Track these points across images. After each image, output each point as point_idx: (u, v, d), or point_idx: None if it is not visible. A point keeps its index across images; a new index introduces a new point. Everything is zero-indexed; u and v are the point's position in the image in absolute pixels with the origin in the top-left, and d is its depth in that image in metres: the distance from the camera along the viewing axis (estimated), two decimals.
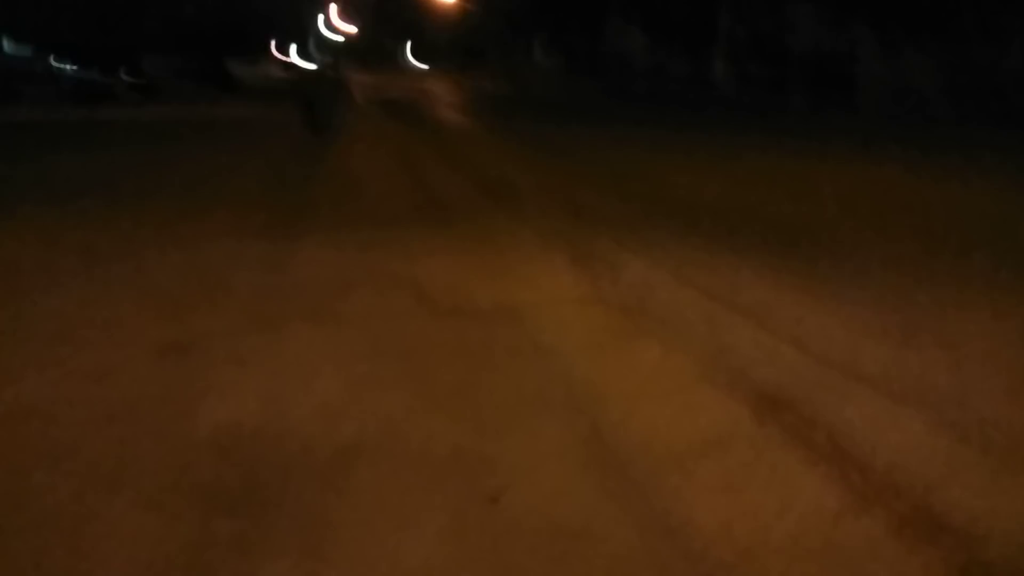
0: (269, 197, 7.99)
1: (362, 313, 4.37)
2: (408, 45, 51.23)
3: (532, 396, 3.23)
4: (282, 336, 3.98)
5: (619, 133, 14.63)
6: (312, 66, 36.48)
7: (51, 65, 27.37)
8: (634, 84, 29.71)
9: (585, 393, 3.23)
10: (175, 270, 5.17)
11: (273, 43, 40.61)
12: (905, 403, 3.03)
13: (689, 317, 4.25)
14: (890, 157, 10.69)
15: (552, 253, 5.70)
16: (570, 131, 15.31)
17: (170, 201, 7.79)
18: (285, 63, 33.04)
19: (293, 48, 40.58)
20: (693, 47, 28.49)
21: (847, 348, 3.67)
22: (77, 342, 3.85)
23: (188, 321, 4.18)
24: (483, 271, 5.27)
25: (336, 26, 41.28)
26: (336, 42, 37.46)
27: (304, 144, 12.84)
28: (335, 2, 39.22)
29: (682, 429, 2.83)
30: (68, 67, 26.93)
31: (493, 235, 6.31)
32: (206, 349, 3.78)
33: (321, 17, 43.28)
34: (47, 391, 3.31)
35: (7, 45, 30.62)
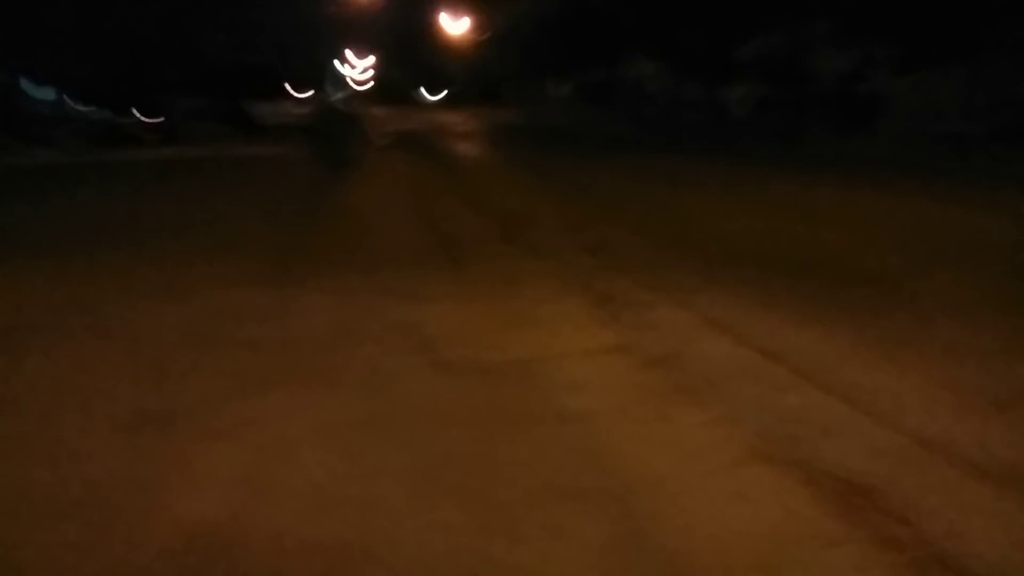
0: (274, 239, 7.65)
1: (361, 371, 3.93)
2: (423, 79, 51.52)
3: (554, 478, 2.75)
4: (270, 402, 3.54)
5: (636, 164, 14.23)
6: (328, 102, 36.67)
7: (72, 108, 27.64)
8: (649, 113, 29.46)
9: (617, 474, 2.75)
10: (166, 326, 4.76)
11: (291, 82, 40.94)
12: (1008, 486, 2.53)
13: (729, 372, 3.76)
14: (925, 184, 10.18)
15: (571, 296, 5.25)
16: (585, 162, 14.95)
17: (172, 245, 7.48)
18: (302, 101, 33.16)
19: (311, 86, 40.89)
20: (708, 73, 28.23)
21: (927, 416, 3.16)
22: (44, 418, 3.43)
23: (171, 387, 3.76)
24: (496, 318, 4.83)
25: (352, 63, 41.61)
26: (352, 79, 37.66)
27: (316, 181, 12.58)
28: (350, 40, 39.56)
29: (738, 527, 2.34)
30: (88, 109, 27.16)
31: (508, 276, 5.88)
32: (184, 421, 3.35)
33: (338, 55, 43.68)
34: (6, 477, 2.90)
35: (28, 88, 31.03)
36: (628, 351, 4.13)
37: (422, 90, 55.08)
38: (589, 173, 13.13)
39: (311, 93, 34.34)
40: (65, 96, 29.84)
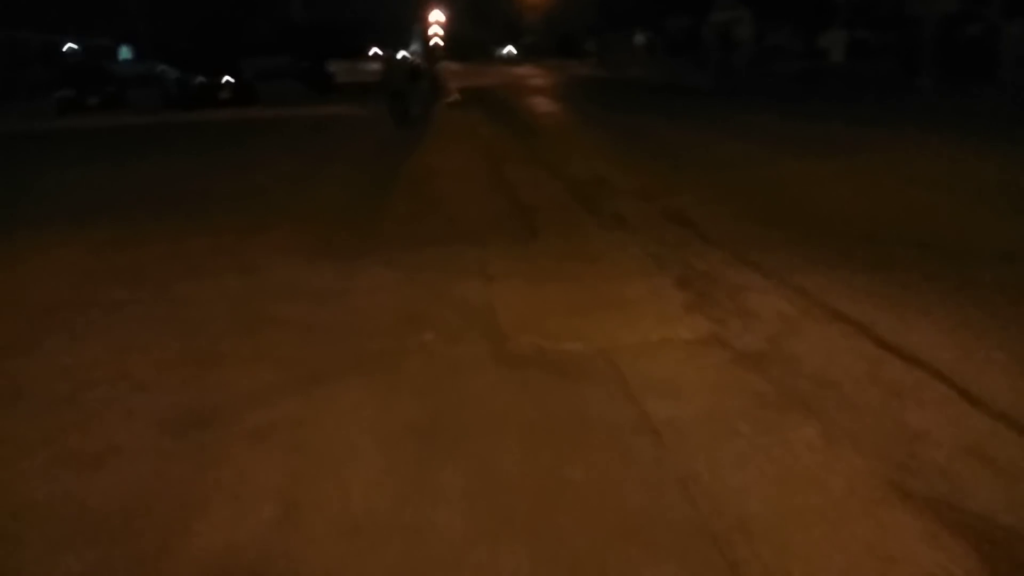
0: (338, 207, 7.33)
1: (421, 364, 3.54)
2: (498, 33, 50.51)
3: (640, 511, 2.30)
4: (320, 398, 3.20)
5: (727, 123, 13.30)
6: (399, 60, 36.35)
7: (153, 67, 28.12)
8: (738, 62, 27.91)
9: (716, 512, 2.27)
10: (220, 304, 4.50)
11: (373, 41, 40.82)
12: None
13: (845, 372, 3.20)
14: None
15: (657, 273, 4.72)
16: (668, 120, 14.10)
17: (232, 213, 7.25)
18: (383, 59, 32.93)
19: (392, 46, 40.70)
20: (804, 20, 26.43)
21: None
22: (82, 411, 3.19)
23: (216, 377, 3.46)
24: (573, 298, 4.35)
25: (433, 20, 41.00)
26: (432, 35, 37.15)
27: (388, 142, 12.24)
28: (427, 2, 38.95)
29: None
30: (169, 69, 27.59)
31: (585, 250, 5.37)
32: (226, 420, 3.04)
33: (420, 13, 43.15)
34: (28, 485, 2.65)
35: (110, 48, 31.82)
36: (723, 343, 3.60)
37: (504, 46, 54.14)
38: (673, 131, 12.33)
39: (385, 51, 34.05)
40: (146, 56, 30.46)
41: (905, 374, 3.15)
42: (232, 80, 24.31)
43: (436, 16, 36.28)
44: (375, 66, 26.07)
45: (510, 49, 51.76)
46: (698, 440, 2.71)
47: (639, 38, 38.34)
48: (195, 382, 3.43)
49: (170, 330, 4.09)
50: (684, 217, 6.15)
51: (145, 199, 8.19)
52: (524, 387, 3.24)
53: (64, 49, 32.27)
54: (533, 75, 34.89)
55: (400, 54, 36.13)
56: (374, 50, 38.33)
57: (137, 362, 3.67)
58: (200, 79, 23.99)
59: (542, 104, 19.76)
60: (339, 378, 3.40)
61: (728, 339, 3.64)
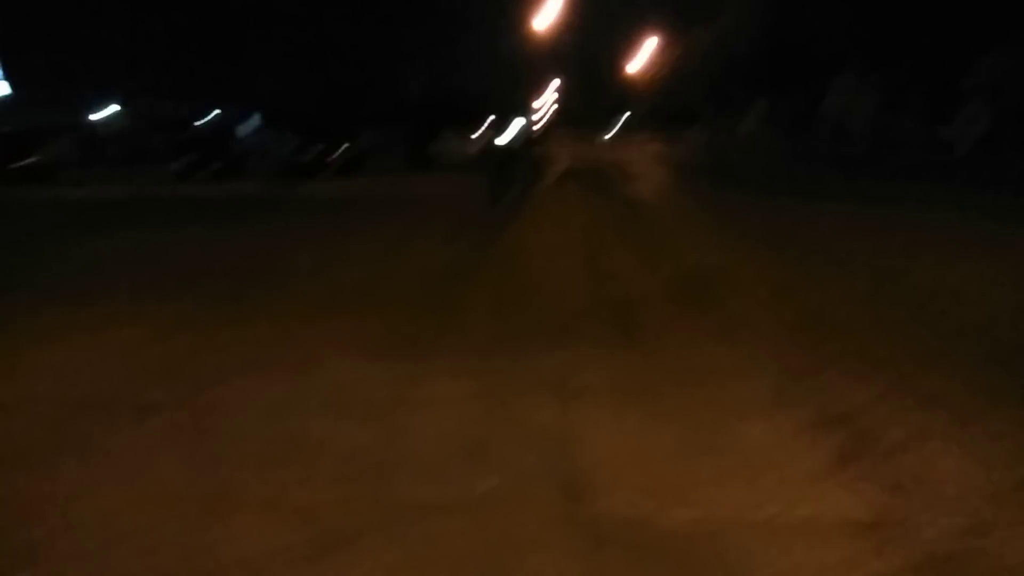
0: (417, 290, 6.71)
1: (472, 528, 2.70)
2: (603, 109, 50.74)
3: None
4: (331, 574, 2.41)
5: (846, 213, 12.01)
6: (514, 135, 36.76)
7: (269, 138, 29.34)
8: (855, 149, 26.42)
9: None
10: (252, 420, 3.79)
11: (484, 115, 41.73)
12: None
13: None
14: None
15: (785, 407, 3.74)
16: (783, 208, 12.94)
17: (307, 292, 6.77)
18: (490, 135, 33.38)
19: (502, 120, 41.49)
20: (925, 103, 24.82)
21: None
22: (38, 567, 2.52)
23: (216, 535, 2.73)
24: (676, 436, 3.44)
25: (541, 96, 41.59)
26: (539, 112, 37.51)
27: (483, 219, 11.75)
28: (536, 72, 39.49)
29: None
30: (283, 139, 28.68)
31: (693, 365, 4.45)
32: None
33: (525, 88, 43.89)
34: None
35: (234, 119, 33.52)
36: (887, 537, 2.57)
37: (611, 124, 54.30)
38: (789, 221, 11.17)
39: (489, 127, 34.49)
40: (265, 126, 31.89)
41: None
42: (347, 149, 24.96)
43: (547, 90, 36.65)
44: (482, 140, 26.29)
45: (620, 121, 51.81)
46: None
47: (751, 118, 37.35)
48: (192, 535, 2.72)
49: (191, 452, 3.42)
50: (814, 326, 5.13)
51: (226, 273, 7.87)
52: None
53: (196, 117, 34.23)
54: (643, 150, 34.41)
55: (507, 130, 36.59)
56: (485, 124, 39.06)
57: (136, 498, 3.00)
58: (316, 148, 24.72)
59: (649, 182, 19.01)
60: (364, 541, 2.62)
61: (892, 530, 2.62)
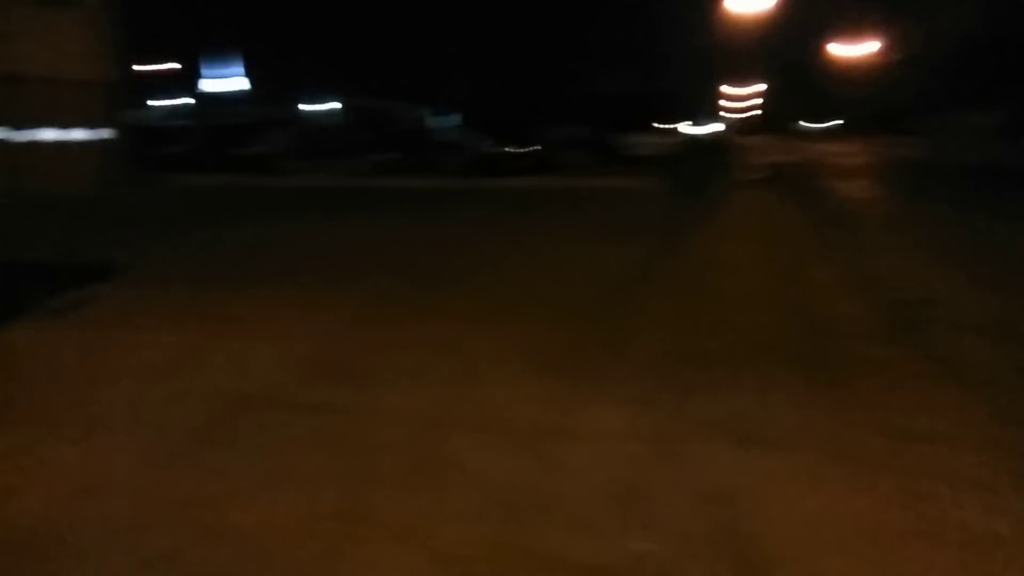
0: (593, 297, 6.36)
1: None
2: (809, 106, 47.40)
3: None
4: None
5: None
6: (710, 132, 35.30)
7: (462, 135, 30.25)
8: None
9: None
10: (399, 435, 3.63)
11: (668, 111, 40.66)
12: None
13: None
14: None
15: (1021, 490, 2.98)
16: (1017, 223, 11.16)
17: (470, 293, 6.66)
18: (674, 131, 32.31)
19: (687, 116, 40.22)
20: None
21: None
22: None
23: (354, 570, 2.56)
24: (876, 511, 2.83)
25: (731, 92, 39.79)
26: (729, 108, 35.77)
27: (667, 223, 11.16)
28: (732, 68, 37.62)
29: None
30: (475, 137, 29.41)
31: (908, 415, 3.72)
32: None
33: (717, 84, 42.03)
34: None
35: (431, 117, 35.00)
36: None
37: (809, 118, 50.71)
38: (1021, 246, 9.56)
39: (681, 123, 33.29)
40: (460, 125, 32.94)
41: None
42: (537, 148, 25.14)
43: (744, 89, 34.84)
44: (674, 138, 25.43)
45: (824, 123, 48.26)
46: None
47: (978, 118, 33.17)
48: (320, 565, 2.56)
49: (333, 464, 3.31)
50: None
51: (407, 264, 8.01)
52: None
53: (400, 115, 36.18)
54: (848, 153, 31.64)
55: (702, 127, 35.19)
56: (675, 122, 37.93)
57: (272, 511, 2.92)
58: (505, 147, 25.11)
59: (854, 188, 17.29)
60: None
61: None
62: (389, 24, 34.54)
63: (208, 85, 37.42)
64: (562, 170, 24.01)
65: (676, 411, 3.83)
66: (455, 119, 36.06)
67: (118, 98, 19.29)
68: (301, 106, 34.73)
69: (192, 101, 36.68)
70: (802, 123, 47.98)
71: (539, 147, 25.22)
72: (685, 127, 33.07)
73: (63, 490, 3.11)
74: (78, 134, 18.13)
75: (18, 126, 16.45)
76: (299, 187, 20.38)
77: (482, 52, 35.80)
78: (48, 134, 17.33)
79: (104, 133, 18.69)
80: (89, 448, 3.52)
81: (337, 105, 34.57)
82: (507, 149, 24.98)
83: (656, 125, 31.04)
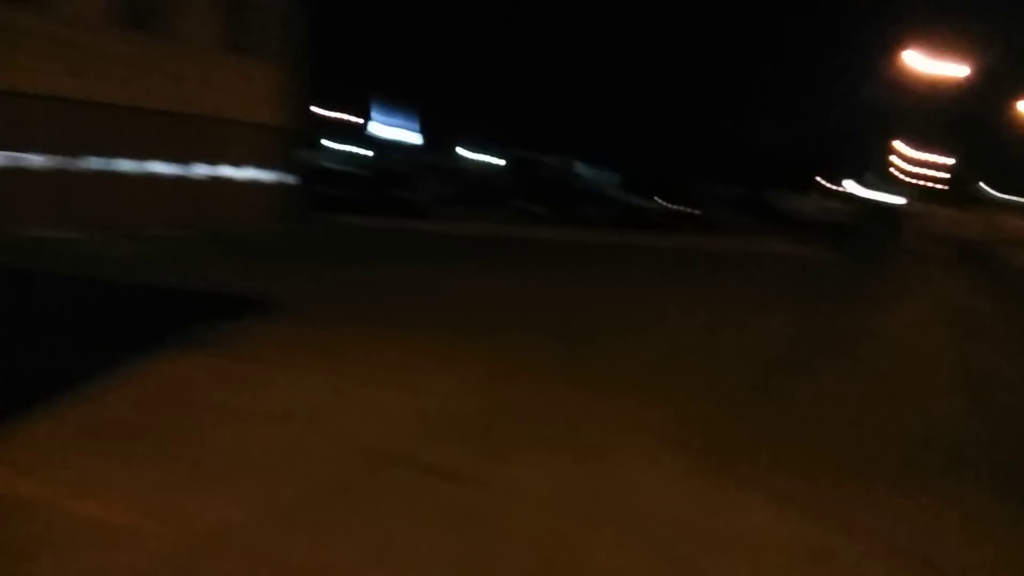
0: (734, 378, 5.81)
1: None
2: (992, 172, 43.44)
3: None
4: None
5: None
6: (875, 195, 33.11)
7: (610, 190, 30.08)
8: None
9: None
10: (525, 522, 3.30)
11: (834, 174, 38.62)
12: None
13: None
14: None
15: None
16: None
17: (609, 357, 6.29)
18: (841, 194, 30.60)
19: (855, 179, 38.03)
20: None
21: None
22: None
23: None
24: None
25: (908, 153, 37.27)
26: (906, 169, 33.44)
27: (829, 290, 10.30)
28: (908, 130, 35.16)
29: None
30: (623, 193, 29.13)
31: None
32: None
33: (889, 146, 39.43)
34: None
35: (580, 169, 35.17)
36: None
37: (994, 187, 46.48)
38: None
39: (851, 188, 31.44)
40: (610, 179, 32.81)
41: None
42: (680, 207, 24.59)
43: (923, 152, 32.50)
44: (842, 201, 24.03)
45: (1008, 194, 44.06)
46: None
47: None
48: None
49: (455, 545, 3.04)
50: None
51: (543, 319, 7.77)
52: None
53: (556, 169, 36.69)
54: None
55: (867, 191, 33.08)
56: (841, 185, 35.95)
57: None
58: (649, 203, 24.71)
59: None
60: None
61: None
62: (555, 82, 35.54)
63: (379, 131, 39.69)
64: (718, 229, 23.23)
65: (845, 524, 3.30)
66: (609, 173, 36.12)
67: (295, 141, 20.69)
68: (462, 153, 36.05)
69: (362, 147, 39.03)
70: (990, 190, 44.02)
71: (694, 205, 24.56)
72: (852, 186, 31.24)
73: (180, 540, 3.02)
74: (255, 173, 19.56)
75: (199, 163, 17.91)
76: (447, 233, 20.81)
77: (641, 109, 35.84)
78: (228, 172, 18.80)
79: (279, 173, 20.06)
80: (211, 494, 3.46)
81: (493, 156, 35.62)
82: (658, 204, 24.56)
83: (821, 182, 29.56)
